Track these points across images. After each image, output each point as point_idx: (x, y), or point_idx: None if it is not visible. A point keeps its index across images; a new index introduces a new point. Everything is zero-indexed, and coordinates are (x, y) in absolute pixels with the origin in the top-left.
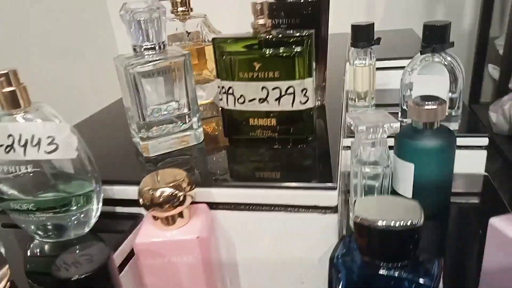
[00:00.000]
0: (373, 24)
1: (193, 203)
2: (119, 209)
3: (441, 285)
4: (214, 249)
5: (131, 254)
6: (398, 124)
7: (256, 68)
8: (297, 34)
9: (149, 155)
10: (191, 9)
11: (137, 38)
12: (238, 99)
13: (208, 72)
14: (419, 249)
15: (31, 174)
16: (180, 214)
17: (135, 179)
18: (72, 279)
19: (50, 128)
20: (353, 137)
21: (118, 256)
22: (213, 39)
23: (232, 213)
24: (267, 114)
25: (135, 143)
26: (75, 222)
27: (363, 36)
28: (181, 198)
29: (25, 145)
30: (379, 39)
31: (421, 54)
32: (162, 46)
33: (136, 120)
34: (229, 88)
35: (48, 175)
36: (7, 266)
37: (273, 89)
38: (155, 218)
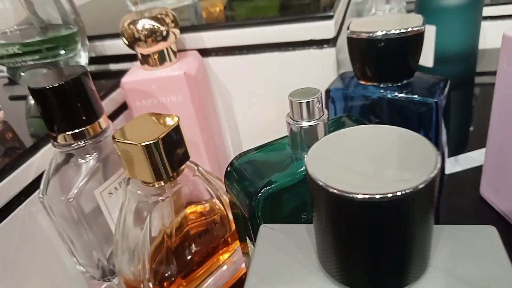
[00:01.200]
0: None
1: (183, 51)
2: (112, 66)
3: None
4: (207, 94)
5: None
6: None
7: None
8: None
9: (137, 6)
10: None
11: None
12: None
13: None
14: (423, 73)
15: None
16: (168, 57)
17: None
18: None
19: None
20: None
21: (109, 103)
22: None
23: (224, 59)
24: None
25: None
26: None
27: None
28: (164, 33)
29: None
30: None
31: None
32: None
33: None
34: None
35: (36, 27)
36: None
37: None
38: (141, 62)
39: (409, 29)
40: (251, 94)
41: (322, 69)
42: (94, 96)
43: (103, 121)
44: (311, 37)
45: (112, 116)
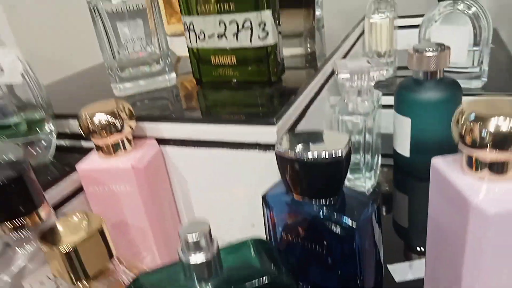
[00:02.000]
0: None
1: (143, 137)
2: (84, 143)
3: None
4: (159, 182)
5: None
6: (386, 72)
7: (212, 1)
8: None
9: (118, 94)
10: None
11: None
12: (198, 35)
13: None
14: (351, 189)
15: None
16: (122, 145)
17: None
18: None
19: None
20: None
21: (68, 184)
22: None
23: (180, 149)
24: (227, 51)
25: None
26: (34, 152)
27: None
28: (119, 127)
29: None
30: None
31: (439, 1)
32: None
33: (106, 60)
34: (190, 23)
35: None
36: None
37: (230, 23)
38: (97, 148)
39: (331, 153)
40: (204, 185)
41: (266, 171)
42: (34, 189)
43: (43, 211)
44: (257, 140)
45: (72, 195)
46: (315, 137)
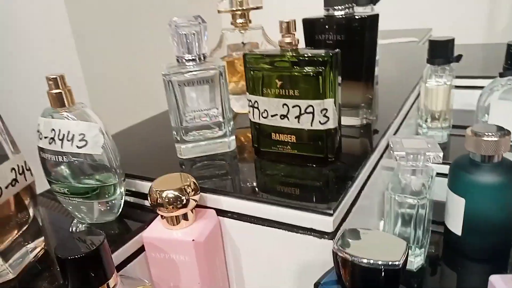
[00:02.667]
0: (453, 40)
1: (203, 207)
2: (147, 202)
3: None
4: (215, 252)
5: None
6: (442, 154)
7: (278, 85)
8: (319, 54)
9: (182, 157)
10: (250, 21)
11: (179, 49)
12: (262, 113)
13: None
14: None
15: (75, 163)
16: (185, 216)
17: None
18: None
19: (82, 127)
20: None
21: (133, 244)
22: (244, 54)
23: (236, 222)
24: (287, 131)
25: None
26: (102, 209)
27: (441, 52)
28: (184, 201)
29: (62, 139)
30: (460, 56)
31: (500, 76)
32: (202, 58)
33: (174, 124)
34: (255, 102)
35: (86, 165)
36: (42, 237)
37: (293, 106)
38: (162, 217)
39: (388, 263)
40: (257, 260)
41: (319, 256)
42: (108, 262)
43: (112, 281)
44: (312, 226)
45: (134, 255)
46: (373, 239)
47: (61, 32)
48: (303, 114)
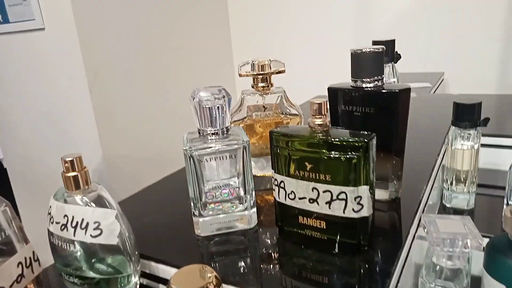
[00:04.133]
0: (480, 103)
1: None
2: (162, 286)
3: None
4: None
5: None
6: (482, 240)
7: (308, 168)
8: (354, 139)
9: (200, 234)
10: (271, 84)
11: (202, 123)
12: (289, 194)
13: None
14: None
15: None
16: None
17: (179, 263)
18: None
19: (98, 214)
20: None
21: None
22: (271, 131)
23: None
24: (317, 215)
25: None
26: None
27: (467, 115)
28: None
29: (75, 227)
30: (487, 119)
31: None
32: (225, 131)
33: (192, 196)
34: (281, 182)
35: (98, 247)
36: None
37: (324, 191)
38: None
39: None
40: None
41: None
42: None
43: None
44: None
45: None
46: None
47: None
48: (334, 200)
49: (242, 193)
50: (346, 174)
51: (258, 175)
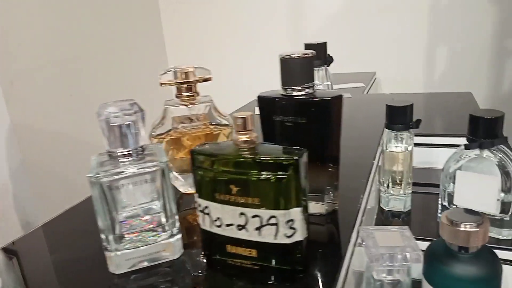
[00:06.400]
0: (411, 105)
1: None
2: None
3: None
4: None
5: None
6: (421, 253)
7: (233, 191)
8: (282, 157)
9: (114, 271)
10: (197, 93)
11: (111, 143)
12: (214, 221)
13: None
14: None
15: None
16: None
17: None
18: None
19: None
20: None
21: None
22: (191, 150)
23: None
24: (247, 243)
25: None
26: None
27: (400, 117)
28: None
29: None
30: (419, 121)
31: (465, 148)
32: (139, 151)
33: (102, 226)
34: (205, 207)
35: None
36: None
37: (253, 216)
38: None
39: None
40: None
41: None
42: None
43: None
44: None
45: None
46: None
47: None
48: (265, 225)
49: (163, 219)
50: (276, 196)
51: (187, 192)
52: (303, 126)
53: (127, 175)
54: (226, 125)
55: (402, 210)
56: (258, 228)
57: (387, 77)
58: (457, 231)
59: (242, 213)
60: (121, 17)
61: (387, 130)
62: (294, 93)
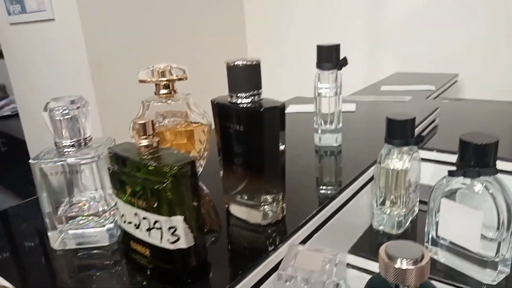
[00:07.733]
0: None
1: None
2: None
3: None
4: None
5: None
6: (333, 281)
7: (128, 192)
8: (164, 164)
9: (55, 247)
10: (175, 91)
11: (56, 135)
12: (121, 216)
13: (196, 153)
14: None
15: None
16: None
17: None
18: None
19: None
20: None
21: None
22: (108, 148)
23: None
24: (142, 242)
25: None
26: None
27: (398, 131)
28: None
29: None
30: (420, 137)
31: (448, 175)
32: (83, 143)
33: (47, 212)
34: (116, 203)
35: None
36: None
37: (143, 218)
38: None
39: None
40: None
41: None
42: None
43: None
44: None
45: None
46: None
47: None
48: (152, 228)
49: (100, 208)
50: (160, 202)
51: None
52: (241, 133)
53: (62, 163)
54: (201, 123)
55: (392, 232)
56: (148, 230)
57: (470, 80)
58: (390, 267)
59: (136, 214)
60: (203, 6)
61: (385, 144)
62: (239, 101)
